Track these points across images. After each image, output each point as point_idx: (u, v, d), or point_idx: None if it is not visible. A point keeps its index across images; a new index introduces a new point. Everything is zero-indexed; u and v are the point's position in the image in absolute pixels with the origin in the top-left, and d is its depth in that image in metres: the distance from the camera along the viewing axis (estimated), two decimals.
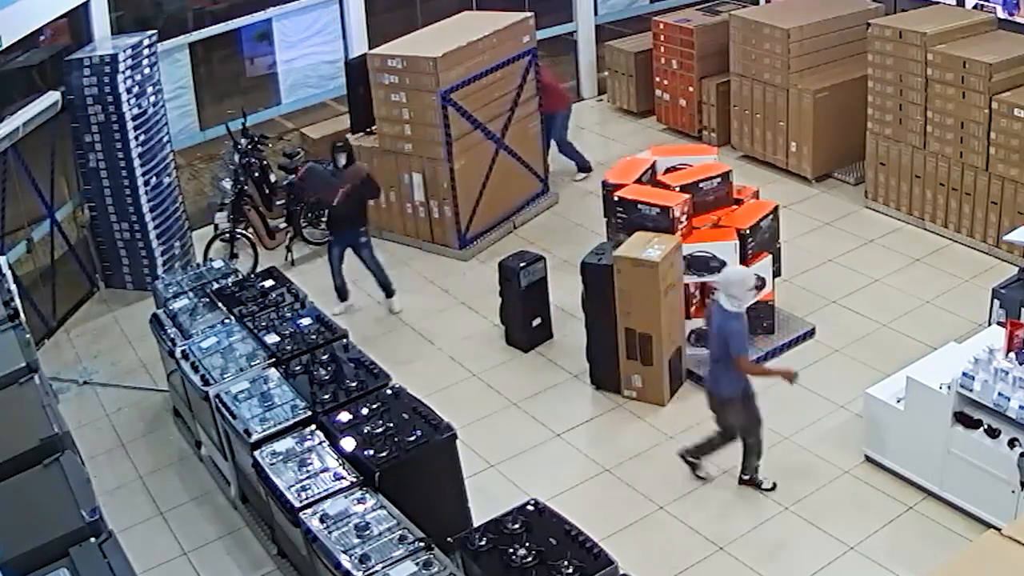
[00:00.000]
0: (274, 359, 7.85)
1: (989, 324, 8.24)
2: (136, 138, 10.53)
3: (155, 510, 8.16)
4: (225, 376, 7.71)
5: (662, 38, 13.35)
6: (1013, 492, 6.86)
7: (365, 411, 7.14)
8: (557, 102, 12.37)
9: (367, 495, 6.43)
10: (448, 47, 10.80)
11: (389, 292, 10.41)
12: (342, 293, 10.38)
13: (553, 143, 12.58)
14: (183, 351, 8.07)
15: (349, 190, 9.97)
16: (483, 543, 5.92)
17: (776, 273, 9.33)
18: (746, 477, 7.81)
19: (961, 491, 7.27)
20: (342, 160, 10.10)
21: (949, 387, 7.12)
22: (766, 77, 12.09)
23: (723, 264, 8.73)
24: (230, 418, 7.30)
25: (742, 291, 7.36)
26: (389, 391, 7.38)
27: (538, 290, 9.61)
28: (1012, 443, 6.89)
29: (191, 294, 8.90)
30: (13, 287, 8.62)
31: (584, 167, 12.59)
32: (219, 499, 8.22)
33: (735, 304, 7.34)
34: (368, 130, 11.60)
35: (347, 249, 10.25)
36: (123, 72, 10.30)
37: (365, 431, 6.94)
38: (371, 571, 5.82)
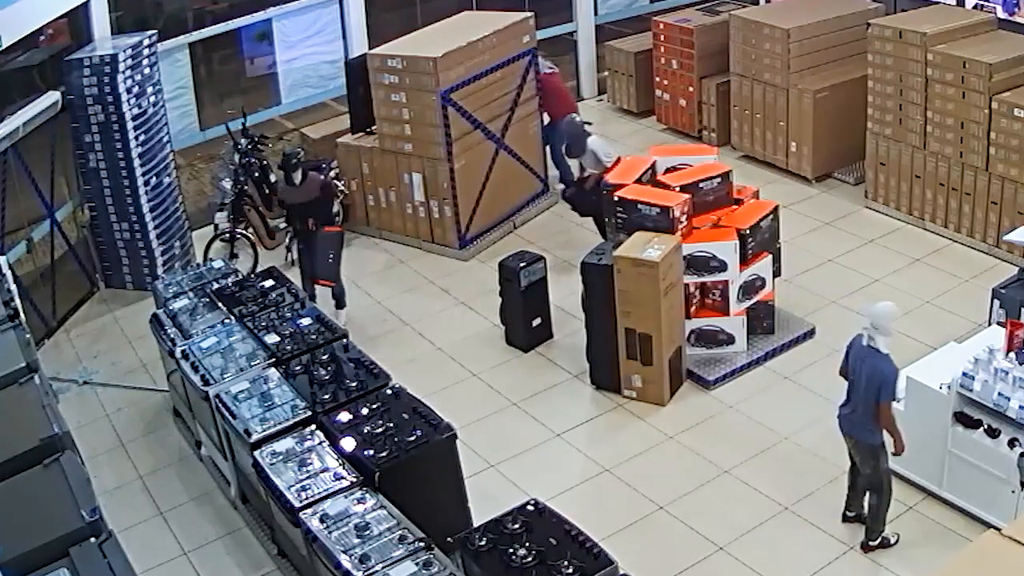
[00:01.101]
0: (274, 359, 7.85)
1: (989, 324, 8.24)
2: (136, 138, 10.53)
3: (155, 510, 8.16)
4: (225, 376, 7.71)
5: (662, 38, 13.35)
6: (1013, 492, 6.86)
7: (365, 411, 7.15)
8: (566, 109, 12.21)
9: (367, 495, 6.43)
10: (448, 47, 10.81)
11: (340, 304, 10.20)
12: (339, 300, 10.27)
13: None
14: (183, 351, 8.07)
15: (308, 202, 9.94)
16: (483, 543, 5.92)
17: (776, 273, 9.33)
18: (874, 543, 7.16)
19: (961, 491, 7.27)
20: (297, 178, 9.97)
21: (949, 387, 7.13)
22: (766, 77, 12.09)
23: (724, 264, 8.74)
24: (230, 418, 7.30)
25: (891, 325, 6.77)
26: (389, 391, 7.38)
27: (538, 290, 9.61)
28: (1012, 443, 6.90)
29: (191, 294, 8.90)
30: (13, 287, 8.62)
31: (568, 182, 12.13)
32: (219, 499, 8.22)
33: (887, 343, 6.75)
34: (368, 130, 11.61)
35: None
36: (123, 72, 10.30)
37: (365, 431, 6.95)
38: (371, 571, 5.82)
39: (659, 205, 8.67)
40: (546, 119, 12.22)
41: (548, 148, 12.31)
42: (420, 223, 11.45)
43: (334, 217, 10.52)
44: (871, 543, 7.14)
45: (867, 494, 7.16)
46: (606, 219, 9.24)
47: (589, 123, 12.08)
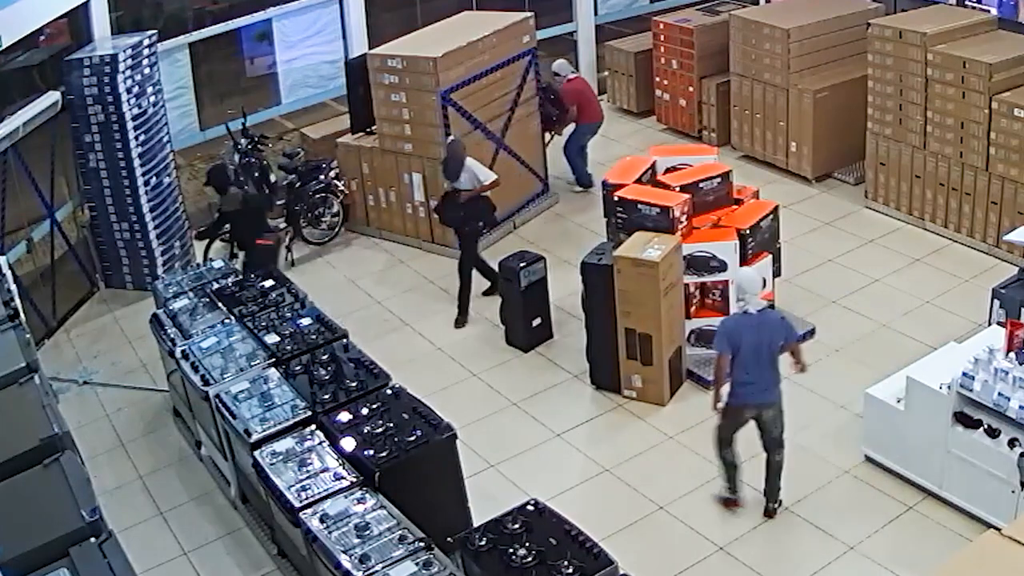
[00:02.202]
0: (274, 359, 7.85)
1: (989, 324, 8.23)
2: (136, 138, 10.53)
3: (155, 510, 8.16)
4: (225, 376, 7.71)
5: (662, 38, 13.35)
6: (1013, 492, 6.86)
7: (365, 411, 7.15)
8: (591, 114, 12.27)
9: (367, 495, 6.43)
10: (448, 47, 10.81)
11: None
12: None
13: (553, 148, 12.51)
14: (183, 351, 8.07)
15: (232, 214, 9.94)
16: (483, 543, 5.92)
17: (776, 273, 9.33)
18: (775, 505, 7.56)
19: (961, 491, 7.27)
20: (228, 190, 9.97)
21: (949, 387, 7.12)
22: (766, 77, 12.09)
23: (724, 264, 8.74)
24: (230, 418, 7.30)
25: (757, 287, 7.36)
26: (389, 391, 7.38)
27: (538, 290, 9.61)
28: (1012, 443, 6.89)
29: (191, 294, 8.91)
30: (13, 287, 8.62)
31: (585, 183, 12.39)
32: (219, 499, 8.22)
33: (757, 303, 7.29)
34: (368, 130, 11.61)
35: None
36: (123, 72, 10.31)
37: (365, 431, 6.95)
38: (371, 571, 5.82)
39: (659, 205, 8.67)
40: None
41: (568, 148, 12.38)
42: (420, 223, 11.45)
43: (265, 229, 10.28)
44: (777, 505, 7.52)
45: (775, 456, 7.46)
46: (607, 219, 9.23)
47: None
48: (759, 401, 7.30)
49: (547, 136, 12.53)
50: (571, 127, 12.36)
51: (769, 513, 7.57)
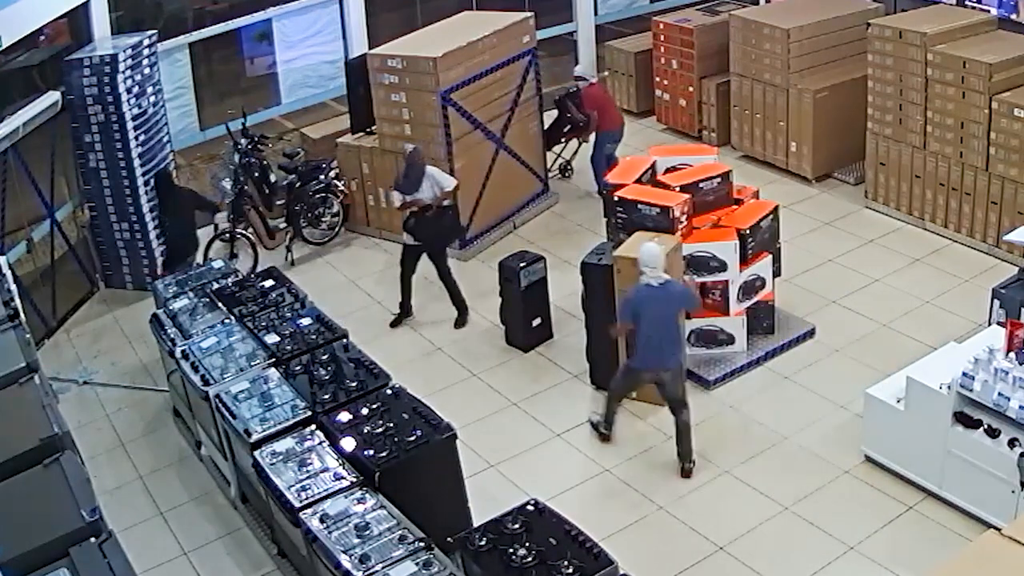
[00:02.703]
0: (274, 359, 7.85)
1: (989, 324, 8.23)
2: (136, 138, 10.53)
3: (155, 510, 8.16)
4: (225, 376, 7.71)
5: (662, 38, 13.35)
6: (1013, 492, 6.86)
7: (365, 411, 7.15)
8: (609, 121, 11.92)
9: (367, 495, 6.43)
10: (448, 47, 10.81)
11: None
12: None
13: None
14: (183, 351, 8.07)
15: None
16: (483, 543, 5.92)
17: (776, 273, 9.33)
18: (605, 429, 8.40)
19: (961, 491, 7.27)
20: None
21: (949, 387, 7.12)
22: (766, 77, 12.09)
23: (724, 264, 8.74)
24: (230, 418, 7.30)
25: (661, 260, 7.80)
26: (389, 391, 7.38)
27: (538, 290, 9.61)
28: (1012, 443, 6.89)
29: (191, 294, 8.91)
30: (13, 287, 8.62)
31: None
32: (219, 499, 8.22)
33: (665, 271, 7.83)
34: (368, 130, 11.61)
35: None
36: (123, 72, 10.31)
37: (365, 431, 6.94)
38: (371, 571, 5.82)
39: (659, 205, 8.66)
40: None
41: (594, 158, 12.02)
42: None
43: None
44: (692, 465, 8.00)
45: (681, 416, 7.97)
46: (607, 219, 9.23)
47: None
48: (659, 366, 7.90)
49: (575, 143, 12.44)
50: (594, 135, 12.11)
51: (686, 473, 7.99)
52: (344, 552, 5.97)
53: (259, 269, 10.24)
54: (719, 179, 9.11)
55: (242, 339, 8.11)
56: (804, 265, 10.35)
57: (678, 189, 8.94)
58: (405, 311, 10.17)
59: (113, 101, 10.31)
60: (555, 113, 12.47)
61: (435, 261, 9.99)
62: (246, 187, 11.13)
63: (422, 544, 5.96)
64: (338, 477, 6.61)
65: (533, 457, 8.38)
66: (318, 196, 11.54)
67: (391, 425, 6.96)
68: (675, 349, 7.90)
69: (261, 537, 7.68)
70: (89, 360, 10.11)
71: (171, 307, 8.75)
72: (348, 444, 6.87)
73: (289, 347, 7.96)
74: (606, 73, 12.68)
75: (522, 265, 9.52)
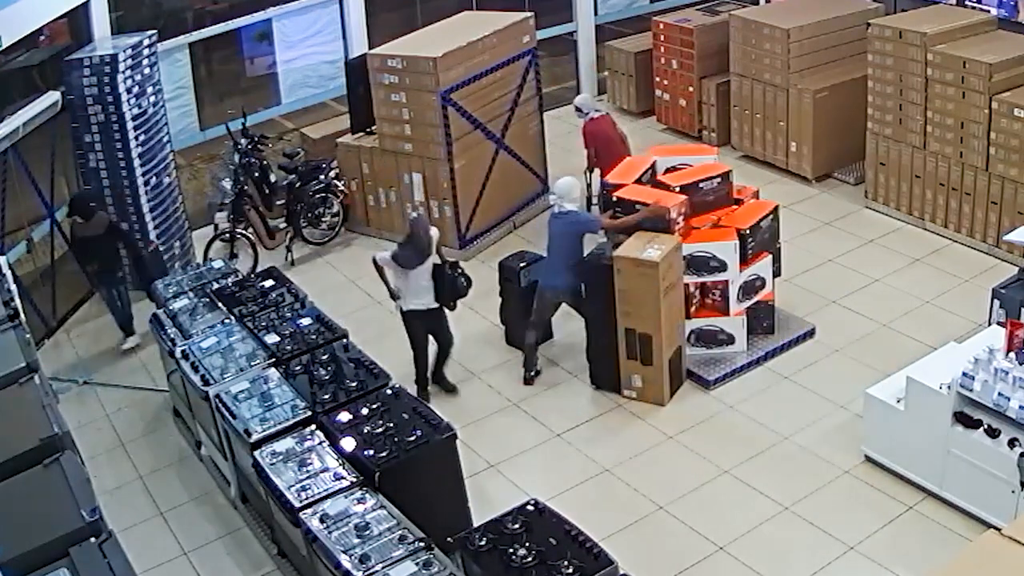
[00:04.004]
0: (274, 359, 7.85)
1: (989, 324, 8.23)
2: (136, 138, 10.53)
3: (155, 510, 8.16)
4: (225, 376, 7.71)
5: (662, 38, 13.35)
6: (1013, 492, 6.86)
7: (365, 411, 7.15)
8: (613, 160, 10.29)
9: (367, 495, 6.43)
10: (448, 47, 10.81)
11: (128, 331, 10.19)
12: (127, 328, 10.19)
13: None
14: (183, 351, 8.07)
15: (96, 239, 9.77)
16: (483, 543, 5.92)
17: (776, 273, 9.33)
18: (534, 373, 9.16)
19: (961, 491, 7.27)
20: (80, 219, 9.79)
21: (949, 387, 7.12)
22: (766, 77, 12.09)
23: (724, 264, 8.75)
24: (230, 418, 7.30)
25: (576, 193, 8.87)
26: (389, 391, 7.39)
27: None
28: (1012, 443, 6.89)
29: (191, 294, 8.91)
30: (13, 287, 8.61)
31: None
32: (219, 499, 8.22)
33: (576, 205, 8.83)
34: (368, 130, 11.61)
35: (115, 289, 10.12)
36: (123, 72, 10.30)
37: (365, 431, 6.95)
38: (371, 571, 5.82)
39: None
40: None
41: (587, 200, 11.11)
42: None
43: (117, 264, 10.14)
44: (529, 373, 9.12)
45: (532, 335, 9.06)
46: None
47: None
48: (552, 285, 8.87)
49: (585, 175, 11.36)
50: (597, 175, 10.67)
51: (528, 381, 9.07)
52: (344, 552, 5.97)
53: (259, 269, 10.24)
54: (719, 179, 9.12)
55: (242, 339, 8.11)
56: (804, 265, 10.35)
57: (678, 189, 8.95)
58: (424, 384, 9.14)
59: (113, 101, 10.31)
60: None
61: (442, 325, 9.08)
62: (246, 187, 11.13)
63: (422, 544, 5.96)
64: (338, 477, 6.61)
65: (533, 457, 8.38)
66: (318, 196, 11.54)
67: (391, 425, 6.96)
68: (573, 273, 8.78)
69: (261, 537, 7.68)
70: (89, 360, 10.10)
71: (171, 307, 8.75)
72: (348, 444, 6.87)
73: (289, 347, 7.96)
74: (600, 109, 11.26)
75: (522, 265, 9.52)
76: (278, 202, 11.42)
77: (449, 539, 6.11)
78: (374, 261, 8.85)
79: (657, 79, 13.61)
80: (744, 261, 8.87)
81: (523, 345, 9.29)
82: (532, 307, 9.09)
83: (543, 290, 8.98)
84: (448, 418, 7.11)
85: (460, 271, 8.91)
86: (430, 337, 8.97)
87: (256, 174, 11.25)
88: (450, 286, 8.78)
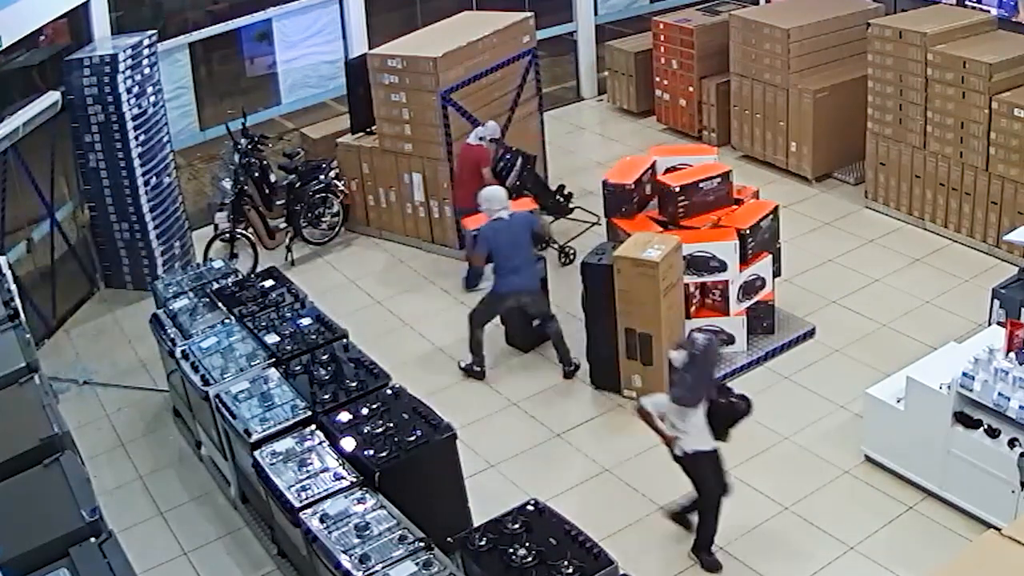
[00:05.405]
0: (274, 359, 7.85)
1: (989, 324, 8.24)
2: (136, 138, 10.53)
3: (155, 510, 8.16)
4: (225, 376, 7.70)
5: (662, 38, 13.35)
6: (1013, 492, 6.86)
7: (365, 411, 7.14)
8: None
9: (367, 495, 6.43)
10: (448, 47, 10.80)
11: None
12: None
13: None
14: (183, 351, 8.07)
15: None
16: (483, 543, 5.92)
17: (776, 273, 9.33)
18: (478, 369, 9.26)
19: (961, 491, 7.27)
20: None
21: (949, 387, 7.12)
22: (766, 77, 12.09)
23: (724, 264, 8.75)
24: (230, 418, 7.30)
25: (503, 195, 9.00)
26: (389, 391, 7.38)
27: None
28: (1012, 443, 6.90)
29: (191, 294, 8.90)
30: (13, 287, 8.61)
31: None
32: (219, 499, 8.22)
33: (507, 210, 8.92)
34: (368, 130, 11.61)
35: None
36: (123, 72, 10.30)
37: (365, 431, 6.94)
38: (371, 571, 5.82)
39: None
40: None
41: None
42: (420, 223, 11.45)
43: None
44: (574, 368, 9.14)
45: (550, 327, 9.13)
46: (607, 218, 9.22)
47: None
48: (520, 289, 8.97)
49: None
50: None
51: (568, 375, 9.09)
52: (344, 552, 5.97)
53: (259, 269, 10.24)
54: (719, 179, 9.12)
55: (242, 339, 8.10)
56: (804, 265, 10.35)
57: (678, 189, 8.95)
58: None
59: (113, 101, 10.31)
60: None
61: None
62: (246, 187, 11.13)
63: (422, 544, 5.96)
64: (338, 477, 6.61)
65: (533, 457, 8.38)
66: (318, 196, 11.54)
67: (391, 425, 6.96)
68: (532, 272, 9.01)
69: (261, 537, 7.68)
70: (89, 360, 10.09)
71: (171, 307, 8.74)
72: (348, 444, 6.87)
73: (289, 347, 7.95)
74: (484, 140, 10.44)
75: None
76: (278, 202, 11.42)
77: (449, 539, 6.11)
78: (641, 411, 7.07)
79: (657, 79, 13.61)
80: (744, 261, 8.87)
81: (491, 344, 9.35)
82: (481, 307, 9.21)
83: (505, 295, 9.01)
84: (448, 418, 7.11)
85: (730, 390, 7.12)
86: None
87: (256, 174, 11.25)
88: (727, 413, 6.99)
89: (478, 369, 9.25)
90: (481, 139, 10.50)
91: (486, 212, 8.93)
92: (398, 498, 6.43)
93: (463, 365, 9.32)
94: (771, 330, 9.35)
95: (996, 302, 8.41)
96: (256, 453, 6.93)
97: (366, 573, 5.81)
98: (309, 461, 6.78)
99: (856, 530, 7.28)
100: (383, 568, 5.82)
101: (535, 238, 9.20)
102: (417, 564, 5.80)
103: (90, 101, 10.32)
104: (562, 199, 11.26)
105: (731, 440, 7.04)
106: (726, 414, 6.90)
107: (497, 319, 9.81)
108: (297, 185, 11.45)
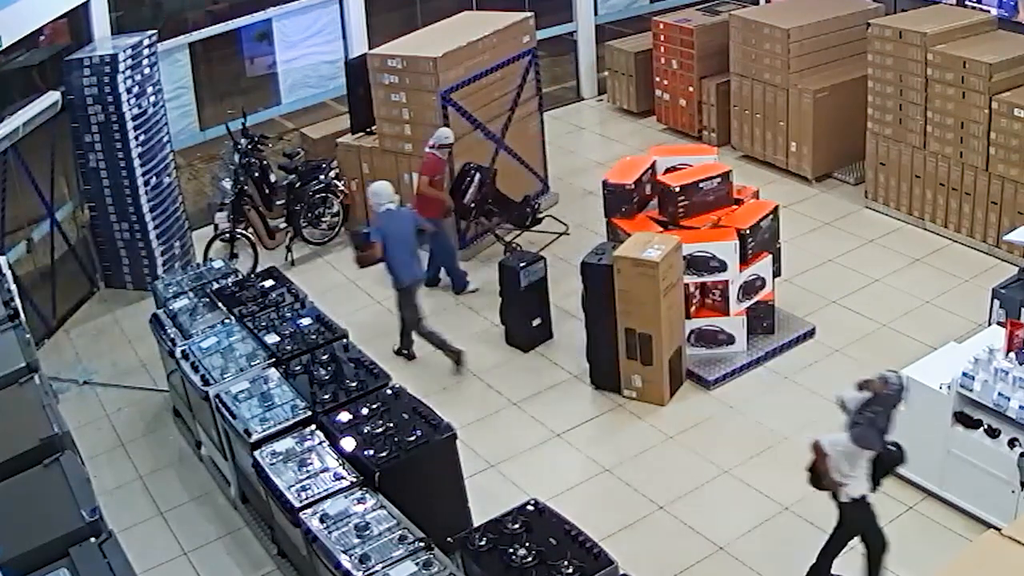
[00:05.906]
0: (274, 359, 7.85)
1: (989, 324, 8.24)
2: (136, 138, 10.53)
3: (155, 510, 8.16)
4: (225, 376, 7.71)
5: (662, 38, 13.36)
6: (1013, 492, 6.86)
7: (365, 411, 7.15)
8: (432, 209, 10.06)
9: (367, 495, 6.43)
10: (448, 47, 10.81)
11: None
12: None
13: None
14: (183, 351, 8.07)
15: None
16: (483, 543, 5.92)
17: (776, 273, 9.33)
18: (406, 352, 9.59)
19: (961, 491, 7.27)
20: None
21: (949, 387, 7.13)
22: (766, 77, 12.09)
23: (724, 264, 8.75)
24: (230, 418, 7.30)
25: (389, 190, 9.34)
26: (389, 391, 7.38)
27: (538, 290, 9.61)
28: (1012, 443, 6.90)
29: (191, 294, 8.90)
30: (13, 287, 8.61)
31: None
32: (219, 499, 8.22)
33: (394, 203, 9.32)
34: (368, 130, 11.61)
35: None
36: (123, 72, 10.31)
37: (365, 431, 6.94)
38: (371, 571, 5.82)
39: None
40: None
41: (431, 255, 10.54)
42: None
43: None
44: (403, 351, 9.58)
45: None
46: (607, 218, 9.23)
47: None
48: (420, 276, 9.48)
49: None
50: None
51: (396, 352, 9.59)
52: (344, 552, 5.97)
53: (259, 269, 10.24)
54: (719, 179, 9.12)
55: (242, 339, 8.10)
56: (804, 265, 10.35)
57: (678, 189, 8.95)
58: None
59: (113, 101, 10.31)
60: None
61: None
62: (246, 187, 11.13)
63: (422, 544, 5.96)
64: (338, 477, 6.61)
65: (533, 457, 8.38)
66: (318, 196, 11.54)
67: (391, 425, 6.96)
68: (419, 261, 9.44)
69: (261, 537, 7.68)
70: (89, 360, 10.10)
71: (171, 307, 8.75)
72: (348, 444, 6.87)
73: (289, 347, 7.96)
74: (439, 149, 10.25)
75: (522, 265, 9.52)
76: (278, 202, 11.42)
77: (449, 539, 6.11)
78: (817, 448, 6.61)
79: (657, 79, 13.61)
80: (744, 261, 8.87)
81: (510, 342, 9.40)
82: (400, 309, 9.42)
83: (410, 285, 9.28)
84: (448, 418, 7.11)
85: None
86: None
87: (256, 174, 11.25)
88: (889, 460, 6.62)
89: (455, 351, 9.40)
90: (431, 147, 10.22)
91: (374, 206, 9.27)
92: (398, 498, 6.43)
93: (395, 348, 9.61)
94: (771, 330, 9.35)
95: (996, 302, 8.41)
96: (256, 453, 6.94)
97: (366, 573, 5.81)
98: (309, 461, 6.78)
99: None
100: (383, 568, 5.82)
101: (418, 233, 9.46)
102: (417, 564, 5.80)
103: (90, 101, 10.33)
104: (529, 210, 11.08)
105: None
106: (888, 461, 6.58)
107: (496, 319, 9.82)
108: (297, 185, 11.46)
